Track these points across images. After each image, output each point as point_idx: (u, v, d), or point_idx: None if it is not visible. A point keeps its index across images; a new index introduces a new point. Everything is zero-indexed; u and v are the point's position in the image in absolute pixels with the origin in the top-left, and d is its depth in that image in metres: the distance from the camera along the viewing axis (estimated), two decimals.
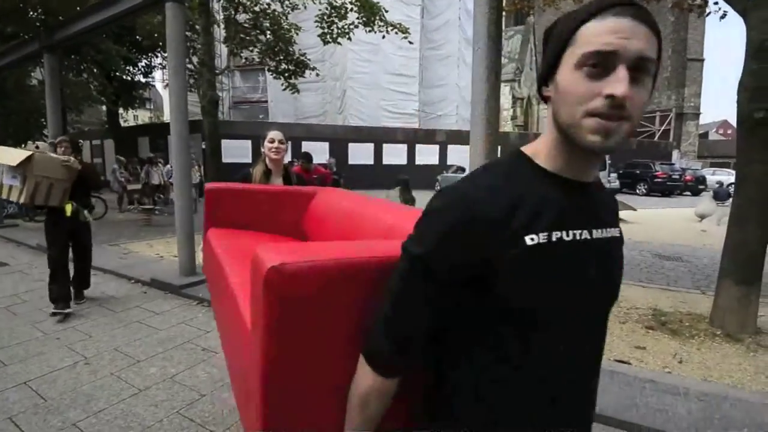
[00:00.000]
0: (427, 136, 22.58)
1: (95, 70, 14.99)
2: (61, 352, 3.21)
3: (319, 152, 20.15)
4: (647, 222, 10.91)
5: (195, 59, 8.17)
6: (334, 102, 24.22)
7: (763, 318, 3.71)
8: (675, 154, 29.98)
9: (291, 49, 9.48)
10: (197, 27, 7.30)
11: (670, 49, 35.42)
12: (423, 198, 5.78)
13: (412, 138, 22.13)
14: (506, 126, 28.13)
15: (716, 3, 5.14)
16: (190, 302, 4.28)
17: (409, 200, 5.53)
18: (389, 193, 5.63)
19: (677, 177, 20.52)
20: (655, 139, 32.60)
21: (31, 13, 11.07)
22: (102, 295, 4.57)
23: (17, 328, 3.64)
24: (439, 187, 19.85)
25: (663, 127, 33.80)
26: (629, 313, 3.95)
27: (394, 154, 21.47)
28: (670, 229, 9.97)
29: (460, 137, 23.28)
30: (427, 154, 22.19)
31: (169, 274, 4.90)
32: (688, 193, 20.84)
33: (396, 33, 8.68)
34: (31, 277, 5.28)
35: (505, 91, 28.29)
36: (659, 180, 20.12)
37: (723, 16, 5.12)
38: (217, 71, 7.71)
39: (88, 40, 11.68)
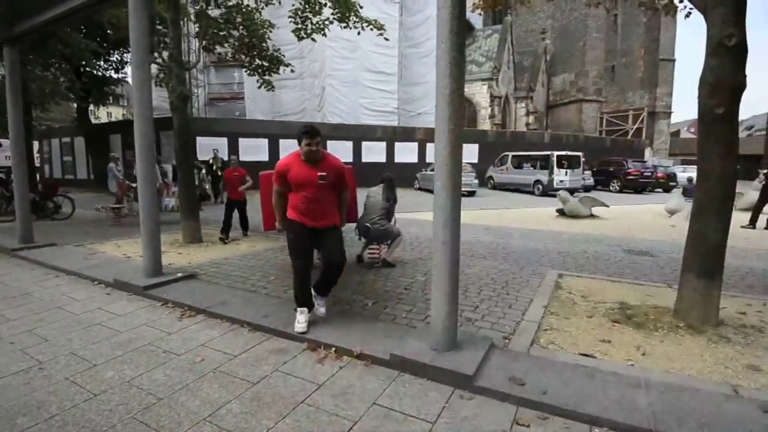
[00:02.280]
0: (407, 134, 22.60)
1: (63, 65, 14.49)
2: (15, 356, 3.07)
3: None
4: (619, 218, 11.15)
5: (165, 54, 7.96)
6: (313, 99, 24.02)
7: (725, 310, 3.81)
8: (647, 151, 30.74)
9: (264, 45, 9.33)
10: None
11: (643, 50, 36.30)
12: (402, 196, 5.71)
13: (391, 136, 22.12)
14: (484, 124, 28.37)
15: (681, 1, 5.24)
16: (154, 303, 4.15)
17: (392, 198, 5.45)
18: (371, 190, 5.53)
19: (649, 174, 21.07)
20: (629, 137, 33.40)
21: None
22: (63, 297, 4.40)
23: None
24: (418, 186, 19.91)
25: (636, 126, 34.67)
26: (597, 307, 4.00)
27: (374, 152, 21.42)
28: (640, 224, 10.20)
29: None
30: (406, 152, 22.21)
31: (134, 274, 4.75)
32: (660, 189, 21.42)
33: (371, 29, 8.62)
34: None
35: (483, 90, 28.54)
36: (632, 177, 20.62)
37: (688, 15, 5.24)
38: (188, 66, 7.52)
39: (56, 33, 11.28)
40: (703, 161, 3.58)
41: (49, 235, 7.52)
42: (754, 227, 9.60)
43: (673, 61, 36.54)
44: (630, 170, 20.72)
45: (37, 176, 17.13)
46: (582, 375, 2.69)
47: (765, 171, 10.31)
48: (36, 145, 22.60)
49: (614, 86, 38.34)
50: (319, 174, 3.34)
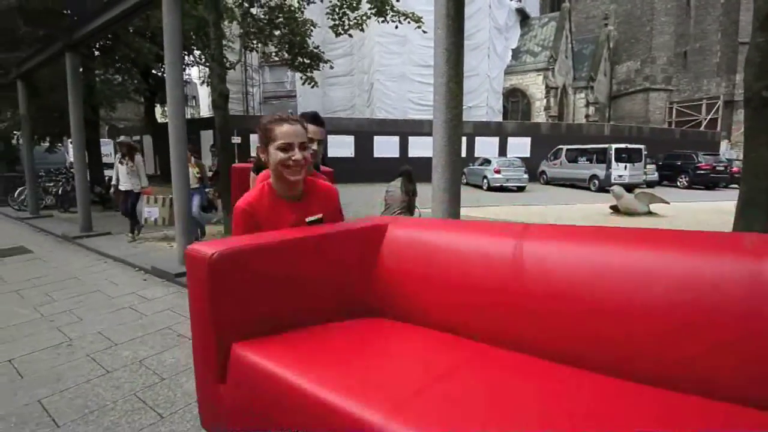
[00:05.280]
0: None
1: (131, 68, 15.64)
2: (50, 333, 3.37)
3: (345, 146, 20.27)
4: (679, 216, 10.29)
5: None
6: (362, 95, 24.25)
7: None
8: (723, 144, 28.13)
9: (306, 42, 9.52)
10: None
11: (720, 33, 33.15)
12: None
13: None
14: (539, 116, 27.26)
15: None
16: (184, 290, 4.38)
17: (411, 191, 5.39)
18: (390, 185, 5.51)
19: (722, 169, 19.25)
20: (702, 128, 30.68)
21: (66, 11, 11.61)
22: (104, 281, 4.76)
23: (18, 310, 3.85)
24: (465, 180, 19.50)
25: (710, 116, 31.75)
26: None
27: (421, 147, 21.21)
28: (702, 224, 9.35)
29: (489, 129, 22.77)
30: None
31: (170, 262, 5.04)
32: (735, 185, 19.49)
33: (408, 22, 8.54)
34: (47, 264, 5.59)
35: (538, 80, 27.41)
36: (702, 172, 18.95)
37: None
38: (229, 66, 7.84)
39: (121, 38, 12.19)
40: (749, 150, 3.20)
41: (109, 225, 8.17)
42: None
43: None
44: (700, 164, 19.03)
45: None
46: None
47: None
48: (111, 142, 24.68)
49: (686, 74, 35.35)
50: None
